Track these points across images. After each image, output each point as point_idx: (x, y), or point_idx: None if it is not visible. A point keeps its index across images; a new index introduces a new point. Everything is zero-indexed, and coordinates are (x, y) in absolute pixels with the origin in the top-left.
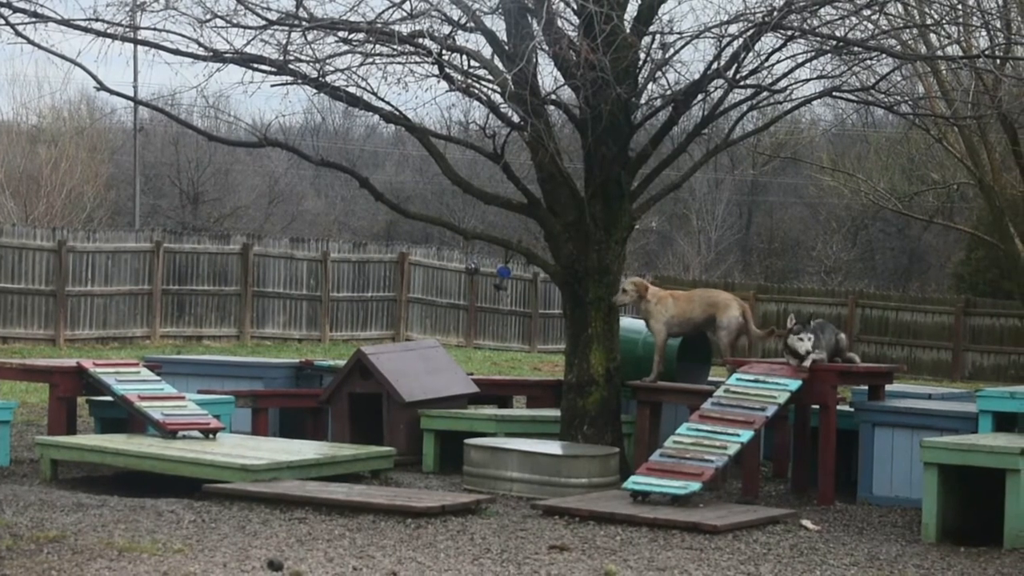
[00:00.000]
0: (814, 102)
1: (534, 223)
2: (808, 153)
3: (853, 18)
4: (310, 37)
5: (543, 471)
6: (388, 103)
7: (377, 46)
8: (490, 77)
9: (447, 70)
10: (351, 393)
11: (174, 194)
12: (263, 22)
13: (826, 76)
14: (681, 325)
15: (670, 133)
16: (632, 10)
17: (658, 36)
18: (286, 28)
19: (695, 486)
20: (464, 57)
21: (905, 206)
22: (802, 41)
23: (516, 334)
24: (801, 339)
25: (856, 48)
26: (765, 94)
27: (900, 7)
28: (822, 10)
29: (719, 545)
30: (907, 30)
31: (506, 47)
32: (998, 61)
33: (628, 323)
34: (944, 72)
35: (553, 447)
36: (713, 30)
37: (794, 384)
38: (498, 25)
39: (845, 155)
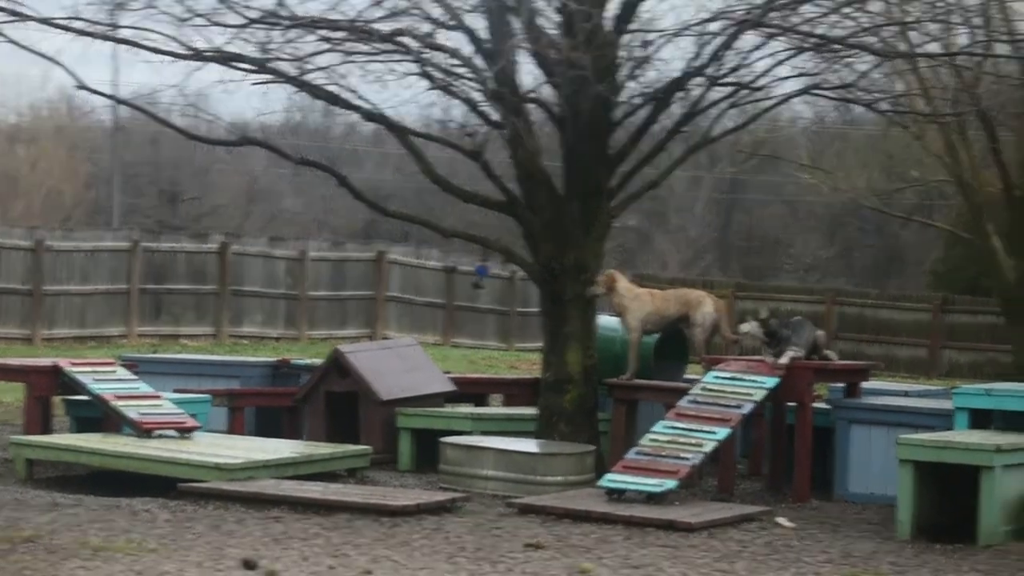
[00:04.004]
0: (794, 100)
1: (513, 221)
2: (787, 151)
3: (833, 16)
4: (290, 35)
5: (519, 469)
6: (368, 101)
7: (357, 44)
8: (470, 75)
9: (427, 68)
10: (328, 392)
11: (153, 193)
12: (243, 20)
13: (806, 73)
14: (656, 323)
15: (649, 131)
16: (613, 8)
17: (638, 34)
18: (266, 26)
19: (671, 484)
20: (444, 55)
21: (884, 204)
22: (782, 39)
23: (493, 332)
24: (745, 320)
25: (836, 45)
26: (745, 92)
27: (880, 4)
28: (802, 7)
29: (694, 543)
30: (887, 27)
31: (486, 45)
32: (977, 58)
33: (606, 321)
34: (924, 69)
35: (529, 445)
36: (693, 28)
37: (771, 382)
38: (479, 23)
39: (824, 153)
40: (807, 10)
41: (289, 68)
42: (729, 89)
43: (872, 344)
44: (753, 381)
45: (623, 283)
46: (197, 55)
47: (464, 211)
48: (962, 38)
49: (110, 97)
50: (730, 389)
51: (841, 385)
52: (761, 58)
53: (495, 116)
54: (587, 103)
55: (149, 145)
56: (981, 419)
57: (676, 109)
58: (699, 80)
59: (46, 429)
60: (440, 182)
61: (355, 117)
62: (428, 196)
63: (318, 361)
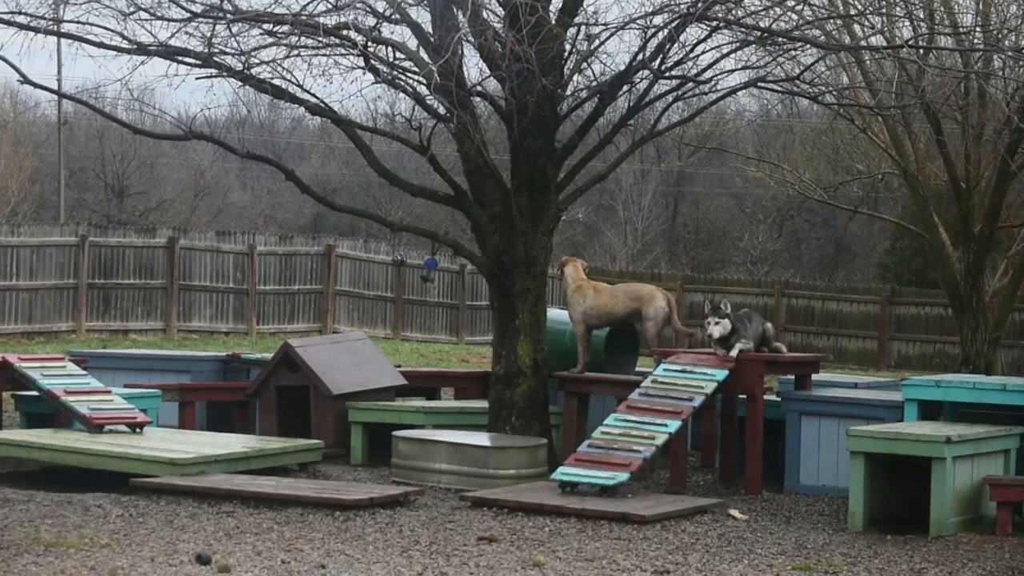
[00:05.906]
0: (739, 93)
1: (461, 215)
2: (733, 144)
3: (777, 8)
4: (235, 29)
5: (471, 463)
6: (313, 95)
7: (302, 38)
8: (416, 69)
9: (372, 62)
10: (278, 386)
11: (99, 188)
12: (187, 14)
13: (751, 67)
14: (600, 318)
15: (596, 124)
16: (557, 1)
17: (583, 27)
18: (211, 20)
19: (623, 476)
20: (389, 49)
21: (830, 196)
22: (727, 32)
23: (443, 326)
24: (709, 323)
25: (780, 38)
26: (690, 85)
27: None
28: (747, 0)
29: (647, 535)
30: (831, 20)
31: (432, 39)
32: (921, 51)
33: (555, 314)
34: (868, 62)
35: (481, 438)
36: (638, 21)
37: (721, 374)
38: (423, 17)
39: (770, 145)
40: (751, 3)
41: (234, 62)
42: (674, 82)
43: (820, 336)
44: (703, 374)
45: (571, 271)
46: (141, 49)
47: (411, 204)
48: (905, 30)
49: (54, 92)
50: (681, 382)
51: (791, 377)
52: (706, 51)
53: (441, 110)
54: (533, 96)
55: (95, 139)
56: (930, 410)
57: (622, 102)
58: (644, 73)
59: None
60: (387, 176)
61: (301, 111)
62: (375, 190)
63: (268, 355)
